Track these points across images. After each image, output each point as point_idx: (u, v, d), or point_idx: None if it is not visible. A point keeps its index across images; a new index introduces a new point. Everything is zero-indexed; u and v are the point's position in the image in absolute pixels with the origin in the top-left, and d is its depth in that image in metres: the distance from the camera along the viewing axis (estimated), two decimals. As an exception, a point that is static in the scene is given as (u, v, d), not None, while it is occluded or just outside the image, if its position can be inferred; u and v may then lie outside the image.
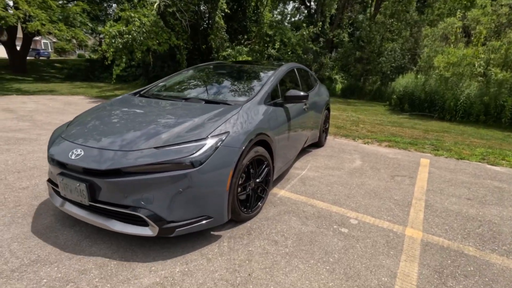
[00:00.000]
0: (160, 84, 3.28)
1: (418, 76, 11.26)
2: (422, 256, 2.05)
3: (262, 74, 3.23)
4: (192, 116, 2.18)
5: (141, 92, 3.09)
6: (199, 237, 2.14)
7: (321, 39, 18.94)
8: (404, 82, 11.45)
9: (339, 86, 17.58)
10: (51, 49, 41.23)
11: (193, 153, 1.82)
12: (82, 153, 1.85)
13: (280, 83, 3.11)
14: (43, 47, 40.16)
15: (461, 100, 8.79)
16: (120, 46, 9.21)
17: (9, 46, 16.56)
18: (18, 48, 17.14)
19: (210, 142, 1.92)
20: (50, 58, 30.98)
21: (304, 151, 4.53)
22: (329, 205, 2.78)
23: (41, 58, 30.19)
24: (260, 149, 2.40)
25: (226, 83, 3.18)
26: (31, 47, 18.66)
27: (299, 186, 3.20)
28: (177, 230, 1.84)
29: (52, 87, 12.47)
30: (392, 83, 13.50)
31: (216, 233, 2.22)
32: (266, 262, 1.91)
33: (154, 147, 1.83)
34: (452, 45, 10.05)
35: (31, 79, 15.31)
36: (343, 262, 1.95)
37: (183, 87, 3.21)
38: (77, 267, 1.80)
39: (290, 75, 3.59)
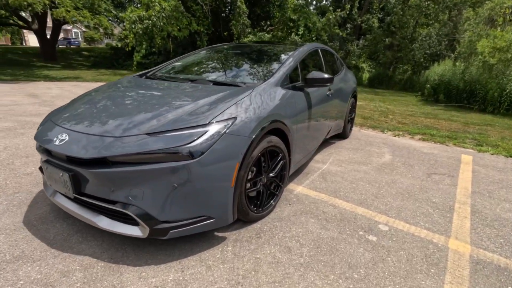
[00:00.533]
0: (170, 65, 3.00)
1: (457, 64, 10.24)
2: (472, 279, 1.64)
3: (280, 55, 2.84)
4: (195, 99, 1.87)
5: (148, 74, 2.83)
6: (200, 239, 1.86)
7: (348, 25, 17.86)
8: (440, 70, 10.46)
9: (366, 75, 16.61)
10: (81, 39, 42.72)
11: (192, 141, 1.52)
12: (67, 138, 1.61)
13: (301, 64, 2.71)
14: (73, 37, 41.71)
15: (508, 90, 7.83)
16: (140, 32, 9.09)
17: (40, 34, 17.15)
18: (48, 36, 17.73)
19: (213, 129, 1.61)
20: (80, 47, 32.06)
21: (326, 142, 4.12)
22: (354, 206, 2.39)
23: (71, 47, 31.30)
24: (274, 139, 2.05)
25: (240, 64, 2.83)
26: (62, 36, 19.25)
27: (319, 182, 2.84)
28: (171, 232, 1.56)
29: (78, 74, 12.74)
30: (426, 72, 12.45)
31: (220, 234, 1.93)
32: (276, 274, 1.60)
33: (146, 133, 1.55)
34: (499, 28, 8.94)
35: (60, 66, 15.80)
36: (371, 280, 1.59)
37: (192, 69, 2.90)
38: (60, 267, 1.59)
39: (312, 57, 3.17)
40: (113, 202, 1.55)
